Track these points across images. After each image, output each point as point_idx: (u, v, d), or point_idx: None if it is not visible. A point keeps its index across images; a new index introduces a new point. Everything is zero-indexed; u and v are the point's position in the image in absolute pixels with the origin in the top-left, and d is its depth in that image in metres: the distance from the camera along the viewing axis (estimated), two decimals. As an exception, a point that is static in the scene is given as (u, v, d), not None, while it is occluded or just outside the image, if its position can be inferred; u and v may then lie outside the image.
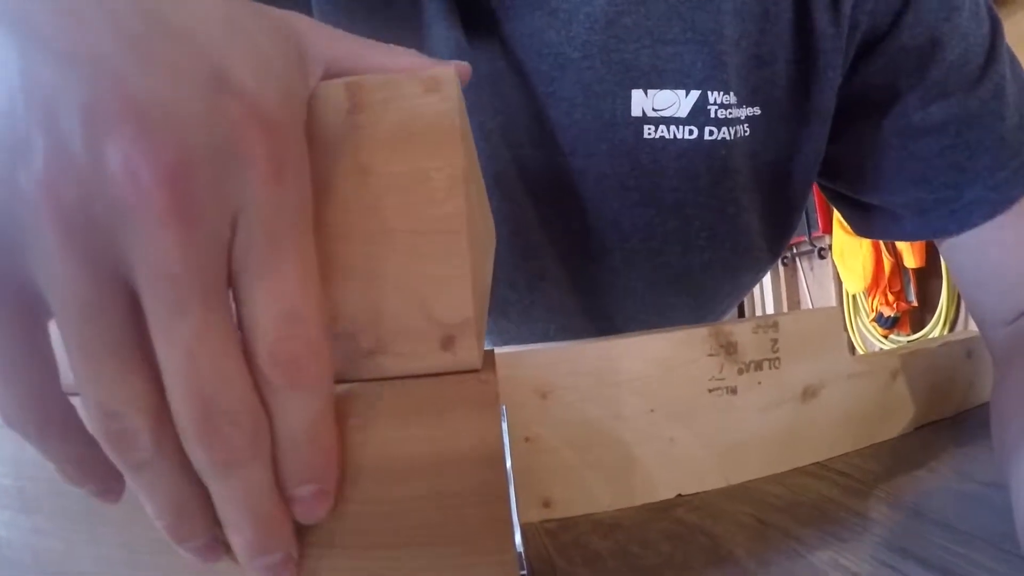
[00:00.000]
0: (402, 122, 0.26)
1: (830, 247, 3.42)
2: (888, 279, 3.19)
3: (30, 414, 0.23)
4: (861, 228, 0.64)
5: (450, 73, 0.26)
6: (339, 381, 0.26)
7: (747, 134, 0.54)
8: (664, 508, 0.43)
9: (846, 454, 0.50)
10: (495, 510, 0.26)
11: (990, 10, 0.53)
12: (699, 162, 0.54)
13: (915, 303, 3.18)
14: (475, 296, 0.26)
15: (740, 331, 0.44)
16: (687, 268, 0.61)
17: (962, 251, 0.56)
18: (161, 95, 0.20)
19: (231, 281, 0.22)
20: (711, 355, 0.44)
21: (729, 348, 0.44)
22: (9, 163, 0.20)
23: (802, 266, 3.97)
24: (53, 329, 0.23)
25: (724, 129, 0.53)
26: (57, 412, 0.24)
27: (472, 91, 0.42)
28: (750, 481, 0.46)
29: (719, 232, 0.58)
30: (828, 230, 3.26)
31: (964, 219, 0.53)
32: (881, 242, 3.17)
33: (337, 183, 0.26)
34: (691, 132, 0.52)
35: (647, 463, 0.43)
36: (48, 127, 0.20)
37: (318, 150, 0.25)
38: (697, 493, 0.44)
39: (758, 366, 0.45)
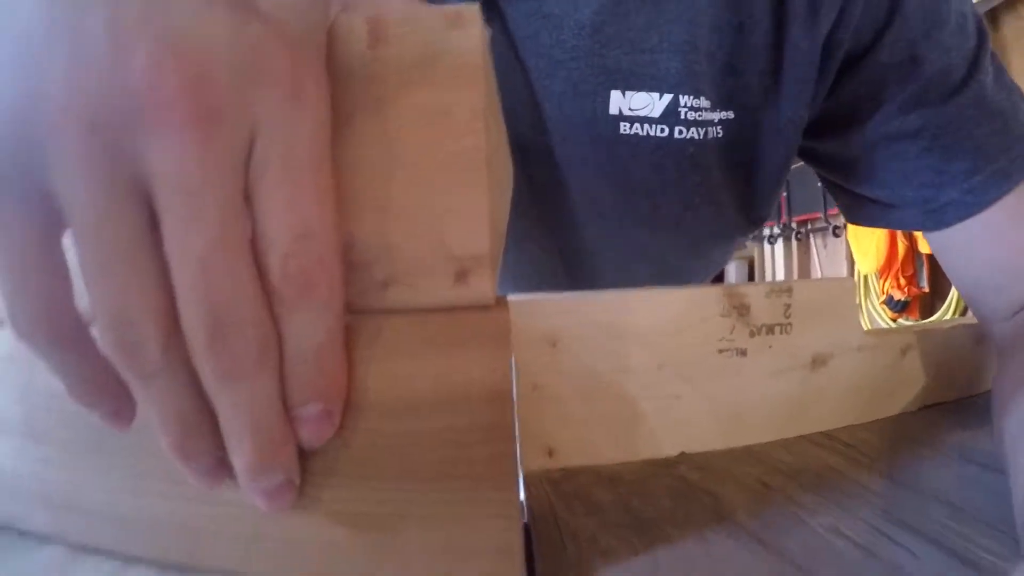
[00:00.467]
0: (424, 56, 0.26)
1: (845, 226, 3.41)
2: (901, 263, 3.19)
3: (43, 325, 0.23)
4: (851, 215, 0.68)
5: (474, 9, 0.25)
6: (351, 312, 0.26)
7: (720, 135, 0.60)
8: (667, 465, 0.43)
9: (851, 426, 0.50)
10: (501, 448, 0.26)
11: (979, 24, 0.57)
12: (668, 157, 0.60)
13: (926, 289, 3.18)
14: (491, 232, 0.26)
15: (753, 293, 0.44)
16: (656, 246, 0.71)
17: (952, 251, 0.60)
18: (187, 10, 0.21)
19: (247, 197, 0.23)
20: (723, 315, 0.44)
21: (741, 309, 0.44)
22: (33, 68, 0.21)
23: (815, 243, 3.96)
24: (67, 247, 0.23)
25: (693, 129, 0.58)
26: (69, 324, 0.24)
27: None
28: (755, 445, 0.46)
29: (684, 218, 0.65)
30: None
31: (939, 218, 0.57)
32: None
33: (355, 116, 0.26)
34: (662, 130, 0.58)
35: (652, 419, 0.43)
36: (73, 33, 0.20)
37: (337, 83, 0.25)
38: (701, 452, 0.45)
39: (769, 330, 0.45)
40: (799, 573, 0.28)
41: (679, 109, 0.57)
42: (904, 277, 3.20)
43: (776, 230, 4.11)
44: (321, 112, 0.24)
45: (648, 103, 0.57)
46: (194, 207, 0.21)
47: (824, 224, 3.68)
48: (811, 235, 3.94)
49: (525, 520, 0.30)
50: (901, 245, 3.15)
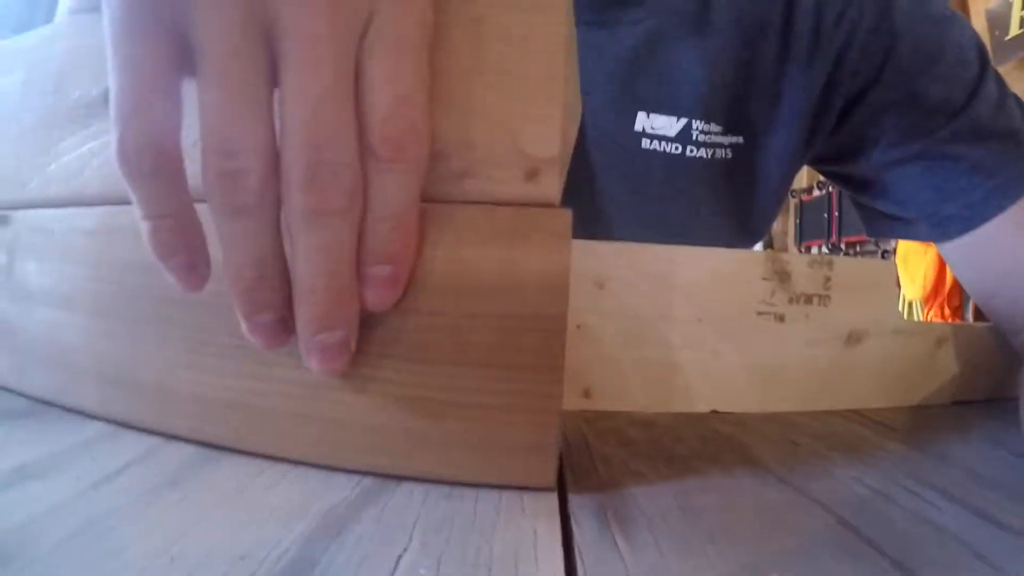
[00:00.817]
0: None
1: (894, 250, 3.36)
2: (948, 292, 3.14)
3: (151, 150, 0.25)
4: (870, 228, 0.75)
5: None
6: (426, 200, 0.27)
7: (728, 156, 0.69)
8: (699, 418, 0.44)
9: (881, 408, 0.50)
10: (552, 340, 0.27)
11: (980, 52, 0.63)
12: (679, 171, 0.69)
13: (971, 321, 3.13)
14: (561, 139, 0.28)
15: (796, 262, 0.45)
16: None
17: (963, 263, 0.66)
18: None
19: (357, 67, 0.25)
20: (764, 279, 0.44)
21: (783, 276, 0.44)
22: None
23: (861, 266, 3.91)
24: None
25: (703, 149, 0.68)
26: (173, 155, 0.26)
27: None
28: (784, 412, 0.46)
29: (690, 226, 0.73)
30: (895, 233, 3.19)
31: (943, 231, 0.63)
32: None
33: (452, 30, 0.28)
34: (676, 148, 0.68)
35: (688, 372, 0.44)
36: None
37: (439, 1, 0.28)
38: (732, 412, 0.45)
39: (808, 299, 0.45)
40: (821, 510, 0.28)
41: (692, 132, 0.67)
42: (950, 308, 3.15)
43: (825, 249, 4.07)
44: (427, 10, 0.27)
45: (667, 124, 0.67)
46: (315, 55, 0.24)
47: (873, 247, 3.63)
48: (860, 257, 3.90)
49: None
50: (949, 276, 3.10)
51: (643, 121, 0.68)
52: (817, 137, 0.69)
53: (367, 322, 0.28)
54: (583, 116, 0.66)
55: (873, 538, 0.25)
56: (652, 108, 0.67)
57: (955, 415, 0.51)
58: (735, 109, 0.68)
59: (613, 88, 0.67)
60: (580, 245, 0.42)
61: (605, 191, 0.71)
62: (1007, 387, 0.58)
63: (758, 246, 0.84)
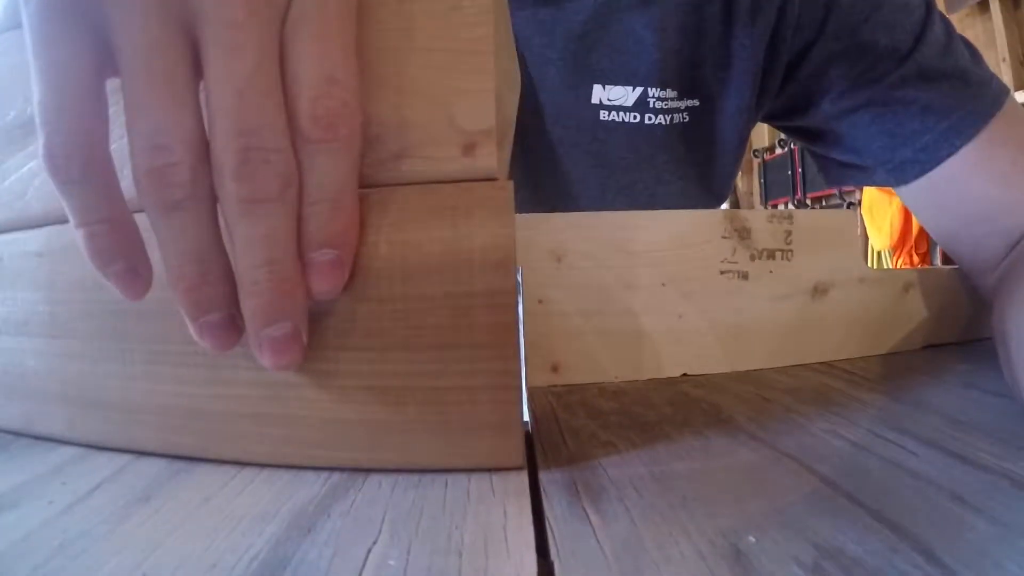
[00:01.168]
0: None
1: (859, 202, 3.38)
2: (915, 239, 3.16)
3: (79, 156, 0.25)
4: (830, 178, 0.75)
5: None
6: (365, 186, 0.27)
7: (686, 120, 0.70)
8: (669, 383, 0.44)
9: (852, 359, 0.50)
10: (502, 315, 0.27)
11: None
12: (640, 139, 0.70)
13: (940, 266, 3.16)
14: (498, 111, 0.27)
15: (754, 218, 0.45)
16: None
17: (924, 207, 0.66)
18: None
19: (282, 50, 0.25)
20: (724, 237, 0.44)
21: (743, 233, 0.45)
22: None
23: (829, 220, 3.93)
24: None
25: (661, 116, 0.69)
26: (102, 160, 0.25)
27: None
28: (755, 370, 0.46)
29: (658, 192, 0.74)
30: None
31: (900, 176, 0.63)
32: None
33: (377, 9, 0.28)
34: (635, 117, 0.69)
35: (655, 338, 0.44)
36: None
37: None
38: (703, 374, 0.45)
39: (771, 255, 0.46)
40: (796, 465, 0.28)
41: (648, 99, 0.69)
42: (917, 254, 3.18)
43: (791, 207, 4.10)
44: None
45: (623, 95, 0.68)
46: (237, 40, 0.24)
47: (839, 201, 3.65)
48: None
49: (527, 422, 0.31)
50: (915, 222, 3.12)
51: (599, 93, 0.68)
52: (767, 94, 0.70)
53: (318, 314, 0.28)
54: (540, 95, 0.68)
55: (851, 491, 0.25)
56: (607, 80, 0.68)
57: (927, 360, 0.51)
58: (688, 74, 0.69)
59: (567, 64, 0.68)
60: (535, 219, 0.42)
61: (569, 168, 0.72)
62: (977, 328, 0.59)
63: (725, 206, 0.85)
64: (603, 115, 0.69)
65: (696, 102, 0.70)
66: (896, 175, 0.64)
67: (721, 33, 0.68)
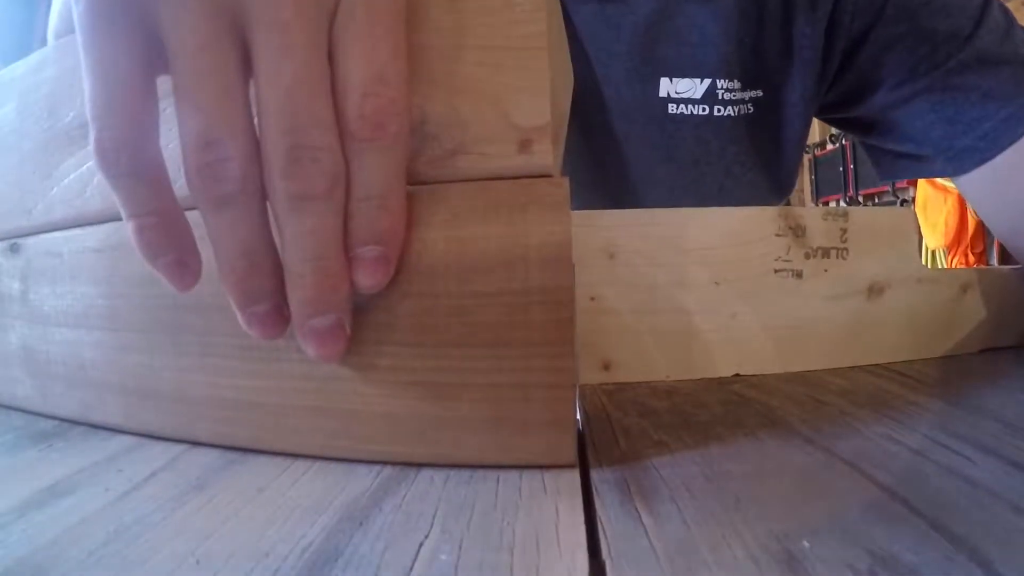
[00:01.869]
0: None
1: (913, 199, 3.33)
2: (971, 238, 3.11)
3: (129, 150, 0.25)
4: (885, 172, 0.74)
5: None
6: (421, 183, 0.27)
7: (751, 111, 0.71)
8: (721, 383, 0.43)
9: (908, 361, 0.49)
10: (558, 312, 0.27)
11: None
12: (709, 132, 0.71)
13: (997, 266, 3.09)
14: (552, 107, 0.27)
15: (809, 215, 0.45)
16: None
17: (982, 197, 0.65)
18: None
19: (331, 50, 0.25)
20: (779, 235, 0.44)
21: (797, 230, 0.44)
22: None
23: (882, 219, 3.87)
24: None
25: (729, 108, 0.69)
26: (152, 155, 0.26)
27: None
28: (809, 371, 0.46)
29: (726, 186, 0.74)
30: (913, 181, 3.17)
31: (959, 165, 0.63)
32: (968, 200, 3.08)
33: (429, 8, 0.28)
34: (703, 109, 0.69)
35: (707, 336, 0.44)
36: None
37: None
38: (755, 375, 0.45)
39: (825, 253, 0.45)
40: (851, 470, 0.28)
41: (716, 91, 0.69)
42: (973, 253, 3.12)
43: (843, 204, 4.04)
44: None
45: (691, 87, 0.69)
46: (286, 39, 0.24)
47: (892, 198, 3.60)
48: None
49: (578, 420, 0.31)
50: (971, 220, 3.07)
51: (667, 86, 0.69)
52: (825, 81, 0.70)
53: (371, 309, 0.28)
54: (605, 90, 0.69)
55: (908, 498, 0.24)
56: (675, 73, 0.68)
57: (985, 363, 0.50)
58: (751, 64, 0.69)
59: (633, 58, 0.68)
60: (587, 215, 0.42)
61: (635, 164, 0.73)
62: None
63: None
64: (671, 108, 0.69)
65: (760, 93, 0.70)
66: (955, 164, 0.62)
67: (782, 21, 0.67)
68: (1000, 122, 0.58)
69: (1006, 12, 0.62)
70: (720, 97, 0.69)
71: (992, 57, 0.60)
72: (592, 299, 0.42)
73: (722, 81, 0.68)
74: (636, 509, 0.24)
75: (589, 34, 0.68)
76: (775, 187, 0.78)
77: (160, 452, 0.33)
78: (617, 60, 0.68)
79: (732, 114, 0.70)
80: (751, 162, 0.74)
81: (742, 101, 0.70)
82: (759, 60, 0.69)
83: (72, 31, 0.36)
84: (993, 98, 0.59)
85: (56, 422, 0.39)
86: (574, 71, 0.67)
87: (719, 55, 0.67)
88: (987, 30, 0.60)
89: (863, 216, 0.46)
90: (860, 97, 0.69)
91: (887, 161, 0.72)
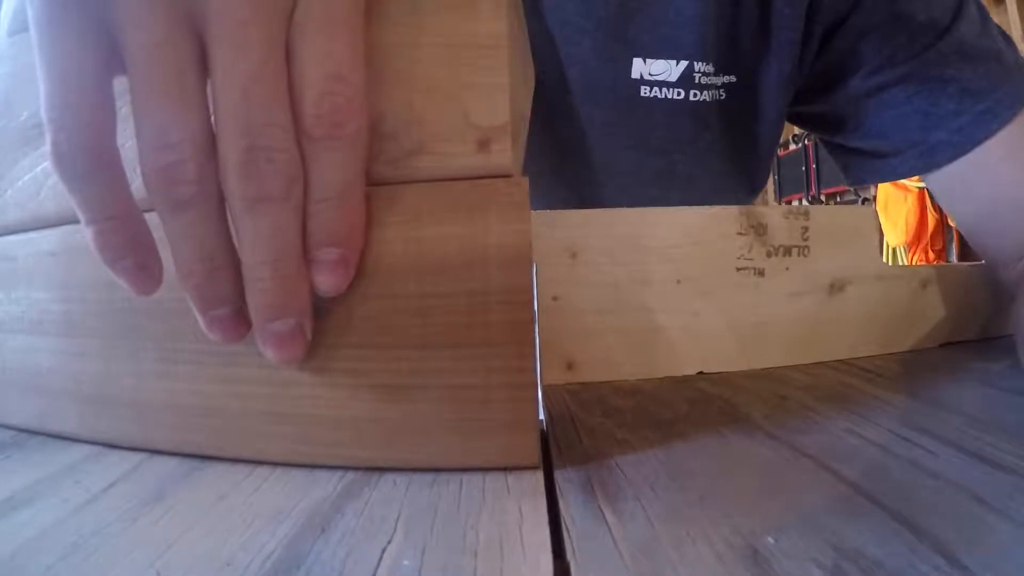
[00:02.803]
0: None
1: (874, 198, 3.37)
2: (931, 235, 3.15)
3: (86, 151, 0.25)
4: (852, 175, 0.72)
5: None
6: (379, 183, 0.27)
7: (723, 97, 0.67)
8: (685, 381, 0.44)
9: (870, 356, 0.50)
10: (518, 312, 0.27)
11: None
12: (683, 118, 0.67)
13: (956, 263, 3.14)
14: (512, 108, 0.27)
15: (771, 214, 0.45)
16: (667, 203, 0.71)
17: (951, 194, 0.63)
18: None
19: (288, 48, 0.25)
20: (741, 233, 0.44)
21: (759, 229, 0.44)
22: None
23: (844, 217, 3.91)
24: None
25: (705, 92, 0.65)
26: (110, 155, 0.25)
27: None
28: (772, 368, 0.46)
29: (696, 175, 0.71)
30: (873, 181, 3.21)
31: (931, 160, 0.61)
32: (927, 198, 3.12)
33: (387, 4, 0.28)
34: (679, 93, 0.65)
35: (671, 335, 0.44)
36: None
37: None
38: (719, 372, 0.45)
39: (787, 251, 0.45)
40: (815, 465, 0.28)
41: (694, 74, 0.64)
42: (933, 251, 3.17)
43: (805, 203, 4.08)
44: None
45: (666, 69, 0.64)
46: (242, 38, 0.24)
47: (853, 197, 3.64)
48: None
49: (542, 419, 0.31)
50: (931, 218, 3.12)
51: (640, 67, 0.65)
52: (804, 66, 0.67)
53: (329, 312, 0.28)
54: (570, 71, 0.65)
55: (871, 492, 0.25)
56: (649, 53, 0.64)
57: (946, 358, 0.51)
58: (727, 47, 0.65)
59: (604, 35, 0.64)
60: (548, 216, 0.42)
61: (601, 151, 0.69)
62: (997, 326, 0.58)
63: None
64: (644, 91, 0.65)
65: (733, 78, 0.67)
66: (928, 158, 0.61)
67: (761, 4, 0.64)
68: (975, 116, 0.58)
69: (980, 6, 0.62)
70: (697, 81, 0.65)
71: (970, 50, 0.59)
72: (555, 299, 0.42)
73: (699, 64, 0.64)
74: (600, 509, 0.24)
75: (554, 10, 0.64)
76: (747, 180, 0.76)
77: (119, 461, 0.32)
78: (586, 36, 0.64)
79: (707, 99, 0.66)
80: (724, 152, 0.71)
81: (715, 86, 0.66)
82: (733, 44, 0.65)
83: (23, 29, 0.35)
84: (970, 92, 0.58)
85: (12, 432, 0.38)
86: (536, 49, 0.62)
87: (697, 35, 0.63)
88: (966, 22, 0.59)
89: (824, 215, 0.46)
90: (834, 84, 0.66)
91: (855, 164, 0.70)
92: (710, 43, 0.64)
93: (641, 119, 0.67)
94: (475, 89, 0.27)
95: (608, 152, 0.69)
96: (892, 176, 0.66)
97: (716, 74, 0.66)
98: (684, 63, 0.64)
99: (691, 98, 0.65)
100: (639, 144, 0.68)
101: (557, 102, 0.67)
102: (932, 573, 0.19)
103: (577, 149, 0.69)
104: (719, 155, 0.71)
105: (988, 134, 0.57)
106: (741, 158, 0.73)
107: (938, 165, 0.61)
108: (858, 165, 0.70)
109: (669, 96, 0.65)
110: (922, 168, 0.62)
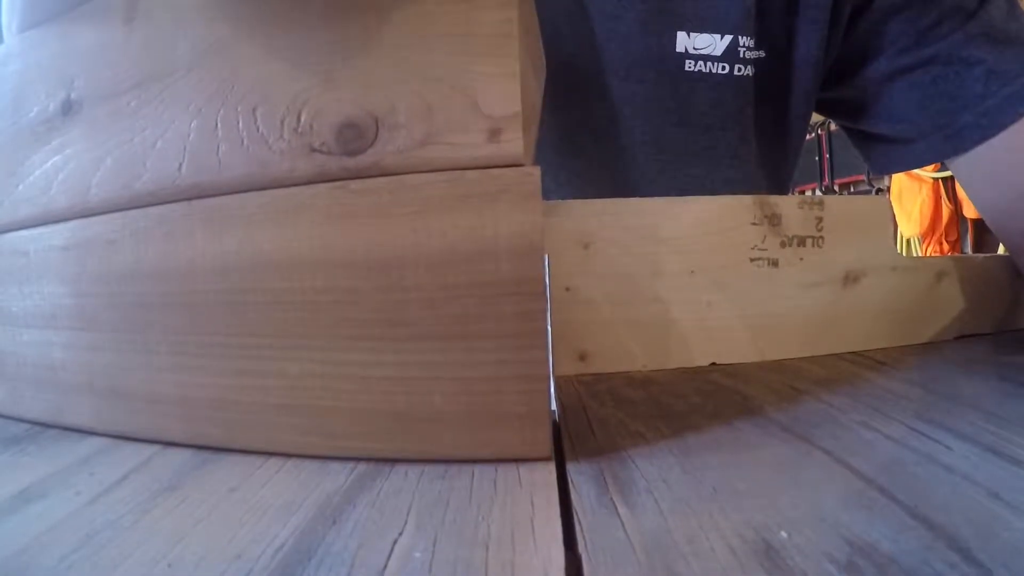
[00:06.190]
0: None
1: (888, 188, 3.35)
2: (945, 227, 3.13)
3: None
4: (876, 164, 0.71)
5: None
6: (389, 173, 0.27)
7: (752, 73, 0.66)
8: (698, 372, 0.43)
9: (884, 349, 0.49)
10: (530, 304, 0.27)
11: None
12: (727, 93, 0.66)
13: (971, 254, 3.12)
14: (523, 96, 0.27)
15: (785, 204, 0.44)
16: (711, 182, 0.72)
17: (975, 178, 0.62)
18: None
19: None
20: (754, 224, 0.44)
21: (773, 219, 0.44)
22: None
23: (858, 208, 3.89)
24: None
25: (749, 67, 0.65)
26: None
27: (548, 25, 0.48)
28: (786, 359, 0.46)
29: (741, 152, 0.69)
30: (888, 171, 3.19)
31: (957, 143, 0.59)
32: (942, 188, 3.10)
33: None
34: (723, 68, 0.64)
35: (684, 326, 0.44)
36: None
37: None
38: (732, 363, 0.45)
39: (801, 242, 0.45)
40: (829, 459, 0.28)
41: (738, 48, 0.64)
42: (948, 242, 3.14)
43: (819, 193, 4.06)
44: None
45: (711, 43, 0.63)
46: None
47: (867, 187, 3.62)
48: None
49: (554, 410, 0.31)
50: (946, 209, 3.09)
51: (684, 41, 0.64)
52: (832, 50, 0.66)
53: (343, 303, 0.28)
54: (607, 48, 0.65)
55: (886, 486, 0.24)
56: (693, 26, 0.63)
57: (961, 350, 0.50)
58: (758, 22, 0.64)
59: (650, 8, 0.63)
60: (561, 206, 0.41)
61: (640, 131, 0.68)
62: (1013, 319, 0.57)
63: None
64: (688, 65, 0.64)
65: (762, 53, 0.66)
66: (954, 142, 0.60)
67: None
68: (1003, 100, 0.56)
69: None
70: (741, 55, 0.64)
71: (997, 33, 0.58)
72: (567, 289, 0.42)
73: (743, 38, 0.63)
74: (612, 501, 0.24)
75: None
76: (781, 160, 0.75)
77: (132, 453, 0.32)
78: (628, 10, 0.63)
79: (749, 74, 0.65)
80: (762, 130, 0.70)
81: (751, 61, 0.65)
82: (763, 19, 0.64)
83: (32, 26, 0.35)
84: (996, 75, 0.57)
85: (27, 425, 0.38)
86: (568, 27, 0.64)
87: (741, 9, 0.62)
88: (993, 5, 0.59)
89: (839, 205, 0.46)
90: (859, 66, 0.65)
91: (880, 152, 0.69)
92: (752, 17, 0.63)
93: (685, 94, 0.65)
94: (485, 78, 0.27)
95: (650, 130, 0.68)
96: (917, 163, 0.65)
97: (753, 49, 0.65)
98: (729, 37, 0.63)
99: (735, 73, 0.65)
100: (683, 120, 0.67)
101: (590, 81, 0.66)
102: (947, 570, 0.18)
103: (611, 129, 0.68)
104: (761, 130, 0.70)
105: (1015, 118, 0.56)
106: (776, 138, 0.72)
107: (964, 149, 0.59)
108: (883, 153, 0.68)
109: (714, 71, 0.64)
110: (949, 152, 0.61)
